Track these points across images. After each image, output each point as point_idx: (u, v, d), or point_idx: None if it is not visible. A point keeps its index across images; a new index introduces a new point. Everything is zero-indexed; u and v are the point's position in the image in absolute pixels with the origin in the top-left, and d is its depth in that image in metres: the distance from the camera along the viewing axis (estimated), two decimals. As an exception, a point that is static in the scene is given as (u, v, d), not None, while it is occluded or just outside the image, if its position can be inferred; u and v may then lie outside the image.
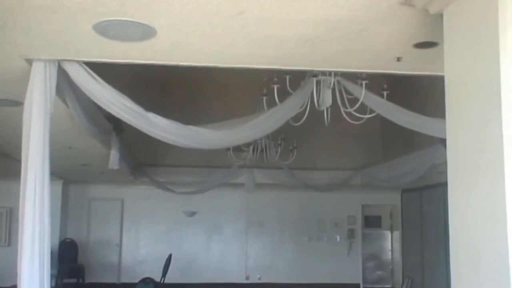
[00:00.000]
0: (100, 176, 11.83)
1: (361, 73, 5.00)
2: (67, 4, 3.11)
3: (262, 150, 9.15)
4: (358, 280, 14.62)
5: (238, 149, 9.29)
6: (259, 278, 14.60)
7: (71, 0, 3.07)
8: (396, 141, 11.05)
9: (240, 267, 14.71)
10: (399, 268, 14.78)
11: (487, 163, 2.59)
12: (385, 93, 5.45)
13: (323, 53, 4.01)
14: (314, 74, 5.03)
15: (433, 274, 12.34)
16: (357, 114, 5.41)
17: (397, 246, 14.97)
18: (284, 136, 8.93)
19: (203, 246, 14.78)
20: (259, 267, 14.70)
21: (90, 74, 4.12)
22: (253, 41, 3.71)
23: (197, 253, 14.62)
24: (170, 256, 11.50)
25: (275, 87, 5.41)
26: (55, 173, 10.42)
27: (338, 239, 14.97)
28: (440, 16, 3.10)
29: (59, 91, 4.23)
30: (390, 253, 15.16)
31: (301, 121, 5.51)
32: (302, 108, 5.35)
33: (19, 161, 3.99)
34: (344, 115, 5.46)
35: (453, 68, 3.01)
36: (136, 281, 7.38)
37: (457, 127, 2.93)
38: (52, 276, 4.30)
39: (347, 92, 5.31)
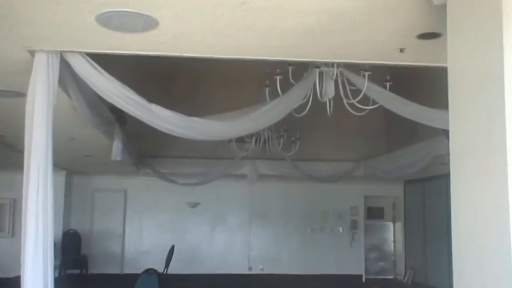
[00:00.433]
0: (103, 167, 11.85)
1: (364, 64, 4.97)
2: (69, -5, 3.11)
3: (264, 142, 9.14)
4: (361, 271, 14.66)
5: (240, 140, 9.28)
6: (262, 269, 14.66)
7: (74, -9, 3.07)
8: (399, 133, 11.04)
9: (243, 258, 14.78)
10: (402, 259, 14.84)
11: (490, 155, 2.58)
12: (388, 84, 5.43)
13: (326, 44, 3.99)
14: (316, 65, 5.00)
15: (435, 265, 12.37)
16: (360, 106, 5.39)
17: (400, 237, 15.01)
18: (287, 128, 8.92)
19: (206, 237, 14.83)
20: (261, 258, 14.76)
21: (92, 65, 4.12)
22: (255, 32, 3.69)
23: (200, 244, 14.68)
24: (172, 247, 11.56)
25: (278, 78, 5.39)
26: (58, 164, 10.47)
27: (341, 230, 15.00)
28: (443, 7, 3.08)
29: (61, 82, 4.23)
30: (392, 244, 15.19)
31: (304, 113, 5.50)
32: (305, 100, 5.33)
33: (22, 152, 4.00)
34: (347, 106, 5.45)
35: (457, 59, 2.99)
36: (139, 271, 7.39)
37: (460, 118, 2.92)
38: (55, 267, 4.32)
39: (350, 83, 5.28)
